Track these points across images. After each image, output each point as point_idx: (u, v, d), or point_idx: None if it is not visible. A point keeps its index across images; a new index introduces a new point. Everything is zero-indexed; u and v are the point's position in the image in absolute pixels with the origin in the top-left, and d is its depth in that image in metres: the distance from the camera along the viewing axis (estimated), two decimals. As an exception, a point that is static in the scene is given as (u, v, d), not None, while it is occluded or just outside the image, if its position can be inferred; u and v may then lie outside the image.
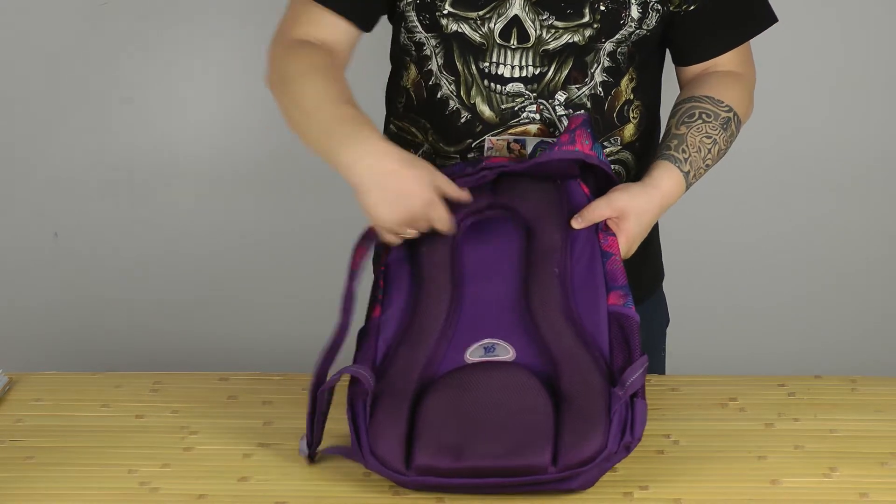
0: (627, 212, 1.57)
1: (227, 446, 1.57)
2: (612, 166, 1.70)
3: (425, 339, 1.50)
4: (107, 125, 2.51)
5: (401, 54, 1.72)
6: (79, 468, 1.53)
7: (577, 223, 1.55)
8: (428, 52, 1.67)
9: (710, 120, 1.67)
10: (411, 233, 1.53)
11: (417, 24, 1.66)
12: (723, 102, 1.68)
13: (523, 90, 1.65)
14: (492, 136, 1.67)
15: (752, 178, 2.48)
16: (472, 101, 1.66)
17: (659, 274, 1.92)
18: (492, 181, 1.57)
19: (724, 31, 1.72)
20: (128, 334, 2.64)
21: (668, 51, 1.77)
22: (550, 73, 1.64)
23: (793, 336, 2.57)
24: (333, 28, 1.65)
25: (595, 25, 1.63)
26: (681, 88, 1.76)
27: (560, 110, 1.65)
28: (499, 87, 1.65)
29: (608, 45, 1.65)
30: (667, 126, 1.69)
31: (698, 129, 1.66)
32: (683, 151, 1.64)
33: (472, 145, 1.68)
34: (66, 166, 2.54)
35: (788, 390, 1.69)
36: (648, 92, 1.73)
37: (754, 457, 1.53)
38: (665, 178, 1.62)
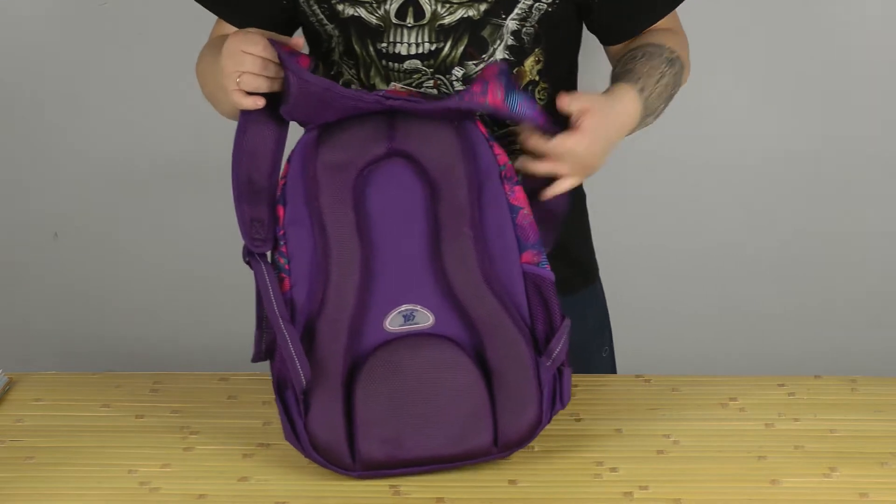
0: (588, 106, 1.48)
1: (227, 446, 1.57)
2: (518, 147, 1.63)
3: (344, 310, 1.45)
4: (107, 125, 2.51)
5: (312, 52, 1.75)
6: (79, 468, 1.53)
7: (564, 102, 1.48)
8: (333, 43, 1.69)
9: (654, 56, 1.64)
10: (246, 80, 1.47)
11: (321, 15, 1.68)
12: (664, 45, 1.66)
13: (420, 66, 1.65)
14: (395, 84, 1.65)
15: (752, 178, 2.48)
16: (372, 82, 1.67)
17: (592, 269, 1.89)
18: (387, 124, 1.47)
19: (647, 5, 1.71)
20: (128, 334, 2.64)
21: (595, 45, 1.76)
22: (446, 48, 1.65)
23: (793, 336, 2.57)
24: None
25: (489, 0, 1.63)
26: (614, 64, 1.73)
27: (458, 86, 1.66)
28: (396, 65, 1.66)
29: (511, 24, 1.65)
30: (611, 77, 1.64)
31: (643, 63, 1.62)
32: (633, 75, 1.60)
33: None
34: (66, 166, 2.54)
35: (788, 390, 1.69)
36: (558, 76, 1.71)
37: (754, 457, 1.53)
38: (618, 91, 1.56)
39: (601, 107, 1.51)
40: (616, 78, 1.62)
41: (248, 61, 1.48)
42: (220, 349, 2.61)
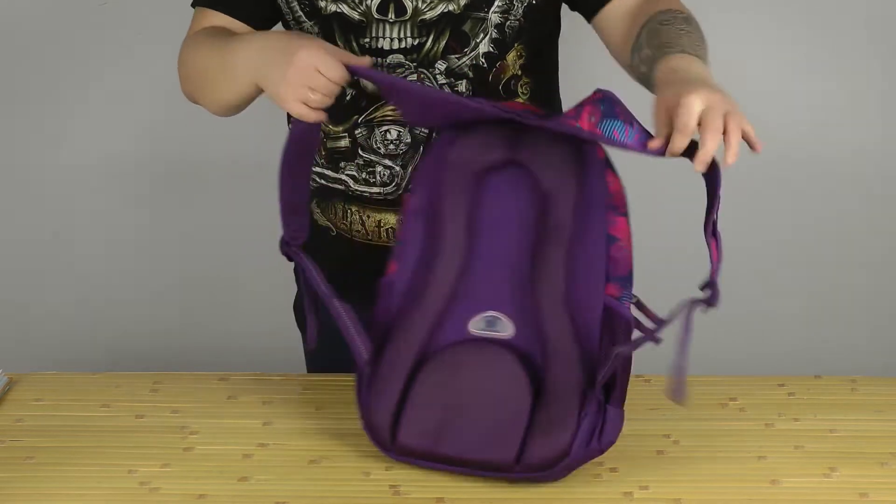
0: (666, 99, 1.40)
1: (227, 446, 1.57)
2: None
3: (435, 304, 1.50)
4: (107, 125, 2.51)
5: None
6: (79, 468, 1.53)
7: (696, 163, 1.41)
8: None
9: (669, 22, 1.56)
10: (314, 97, 1.49)
11: (300, 13, 1.69)
12: (668, 10, 1.58)
13: (403, 61, 1.67)
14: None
15: (753, 178, 2.47)
16: (355, 78, 1.67)
17: None
18: (513, 133, 1.48)
19: None
20: (128, 334, 2.64)
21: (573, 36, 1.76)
22: (429, 43, 1.66)
23: (793, 336, 2.57)
24: (225, 23, 1.71)
25: None
26: (608, 44, 1.68)
27: (441, 79, 1.67)
28: (379, 59, 1.67)
29: (494, 17, 1.66)
30: (636, 60, 1.58)
31: (667, 30, 1.55)
32: (680, 46, 1.51)
33: (359, 121, 1.70)
34: (66, 166, 2.54)
35: (788, 390, 1.69)
36: (540, 71, 1.72)
37: (754, 457, 1.53)
38: (671, 62, 1.48)
39: (665, 88, 1.43)
40: (650, 54, 1.53)
41: (322, 83, 1.49)
42: (220, 349, 2.62)
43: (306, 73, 1.49)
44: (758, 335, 2.57)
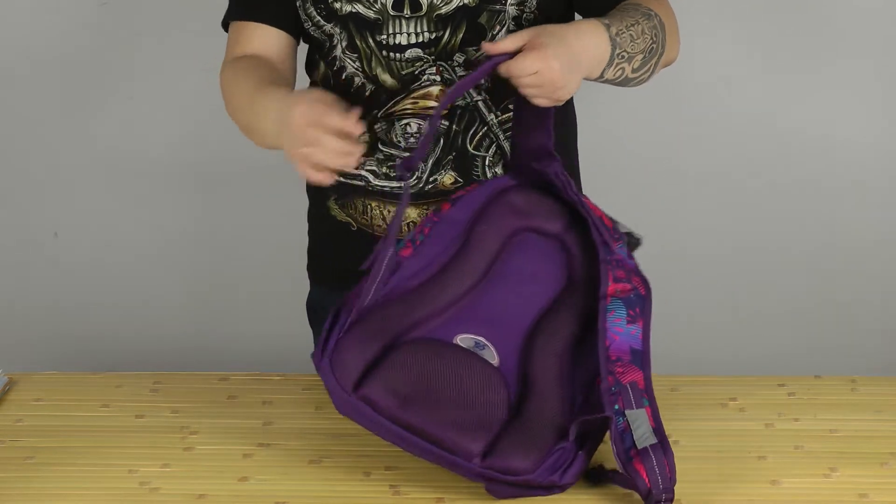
0: (532, 31, 1.50)
1: (227, 446, 1.57)
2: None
3: (433, 305, 1.52)
4: (107, 125, 2.51)
5: (311, 57, 1.76)
6: (79, 468, 1.53)
7: (487, 47, 1.51)
8: (335, 40, 1.70)
9: (631, 9, 1.63)
10: (319, 156, 1.46)
11: (318, 17, 1.69)
12: (642, 5, 1.65)
13: (421, 55, 1.67)
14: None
15: (753, 178, 2.48)
16: (374, 73, 1.69)
17: None
18: (564, 205, 1.59)
19: None
20: (128, 334, 2.64)
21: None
22: (446, 36, 1.67)
23: (793, 336, 2.57)
24: (264, 39, 1.72)
25: None
26: None
27: (460, 71, 1.68)
28: (398, 55, 1.67)
29: (512, 10, 1.67)
30: None
31: (620, 11, 1.63)
32: (609, 19, 1.60)
33: (378, 115, 1.70)
34: (66, 166, 2.54)
35: (788, 390, 1.69)
36: None
37: (754, 457, 1.53)
38: (579, 22, 1.58)
39: (551, 29, 1.52)
40: None
41: (313, 138, 1.46)
42: (220, 349, 2.62)
43: (300, 134, 1.46)
44: (758, 335, 2.57)
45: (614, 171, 2.40)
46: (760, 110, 2.46)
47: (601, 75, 1.58)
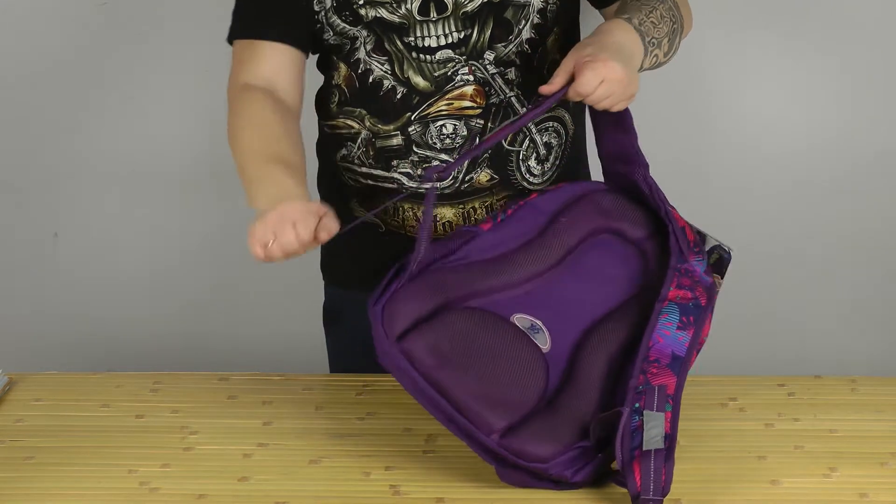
0: (577, 54, 1.55)
1: (227, 446, 1.57)
2: (550, 123, 1.73)
3: (498, 279, 1.55)
4: (107, 125, 2.51)
5: (329, 56, 1.74)
6: (79, 468, 1.53)
7: (544, 89, 1.56)
8: (358, 43, 1.69)
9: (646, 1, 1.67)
10: (273, 247, 1.49)
11: (343, 24, 1.69)
12: None
13: (452, 55, 1.67)
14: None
15: (753, 178, 2.47)
16: (406, 76, 1.68)
17: None
18: (651, 214, 1.65)
19: None
20: (128, 334, 2.63)
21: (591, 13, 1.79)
22: (475, 34, 1.67)
23: (793, 336, 2.57)
24: (273, 59, 1.70)
25: None
26: None
27: (492, 69, 1.68)
28: (428, 57, 1.67)
29: (537, 2, 1.68)
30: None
31: (633, 4, 1.66)
32: (620, 13, 1.65)
33: (412, 118, 1.69)
34: (67, 166, 2.53)
35: (788, 390, 1.69)
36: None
37: (754, 457, 1.53)
38: (603, 25, 1.62)
39: (585, 43, 1.57)
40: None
41: (288, 239, 1.48)
42: (220, 349, 2.62)
43: (280, 221, 1.49)
44: (758, 335, 2.57)
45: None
46: (761, 110, 2.46)
47: (641, 66, 1.61)
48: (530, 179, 1.73)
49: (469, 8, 1.66)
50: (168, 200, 2.56)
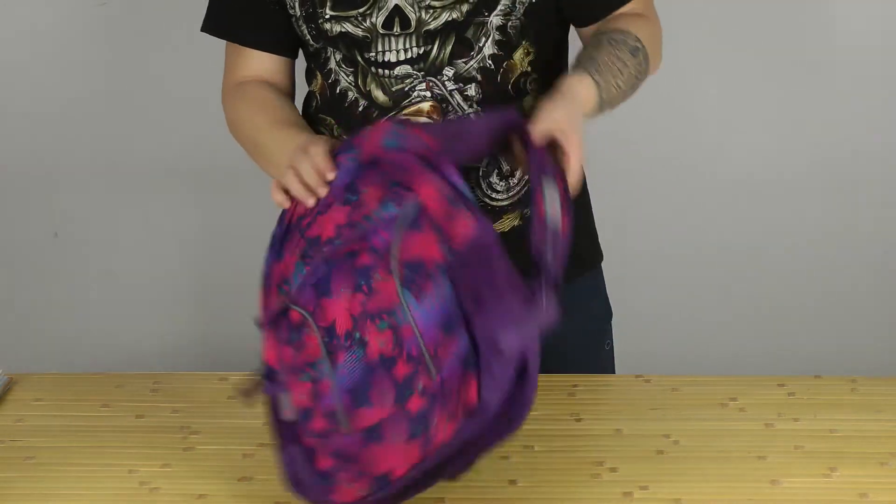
0: (555, 108, 1.49)
1: (227, 446, 1.57)
2: None
3: None
4: (107, 125, 2.51)
5: (308, 63, 1.77)
6: (79, 468, 1.53)
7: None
8: (328, 52, 1.71)
9: (617, 44, 1.64)
10: (290, 176, 1.46)
11: (309, 36, 1.71)
12: (629, 32, 1.66)
13: (411, 71, 1.67)
14: None
15: (753, 179, 2.48)
16: (368, 89, 1.69)
17: (596, 253, 1.88)
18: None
19: None
20: (128, 334, 2.63)
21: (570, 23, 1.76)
22: (434, 50, 1.67)
23: (793, 336, 2.57)
24: (263, 63, 1.75)
25: (470, 1, 1.64)
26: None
27: (450, 85, 1.67)
28: (387, 72, 1.68)
29: (496, 20, 1.67)
30: (574, 61, 1.64)
31: (607, 51, 1.62)
32: (592, 63, 1.59)
33: None
34: (67, 166, 2.54)
35: (788, 390, 1.69)
36: (549, 65, 1.73)
37: (754, 457, 1.53)
38: (576, 84, 1.55)
39: (557, 103, 1.50)
40: (577, 63, 1.61)
41: (306, 167, 1.45)
42: (220, 349, 2.62)
43: (295, 153, 1.48)
44: (758, 335, 2.57)
45: (615, 172, 2.40)
46: (762, 110, 2.46)
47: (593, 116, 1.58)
48: (493, 196, 1.72)
49: (432, 25, 1.66)
50: (168, 200, 2.56)
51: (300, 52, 1.78)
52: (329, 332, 1.36)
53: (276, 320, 1.41)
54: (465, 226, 1.35)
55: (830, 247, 2.52)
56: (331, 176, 1.44)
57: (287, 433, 1.40)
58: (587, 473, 1.49)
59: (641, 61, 1.66)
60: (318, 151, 1.45)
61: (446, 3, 1.65)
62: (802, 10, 2.41)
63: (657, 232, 2.54)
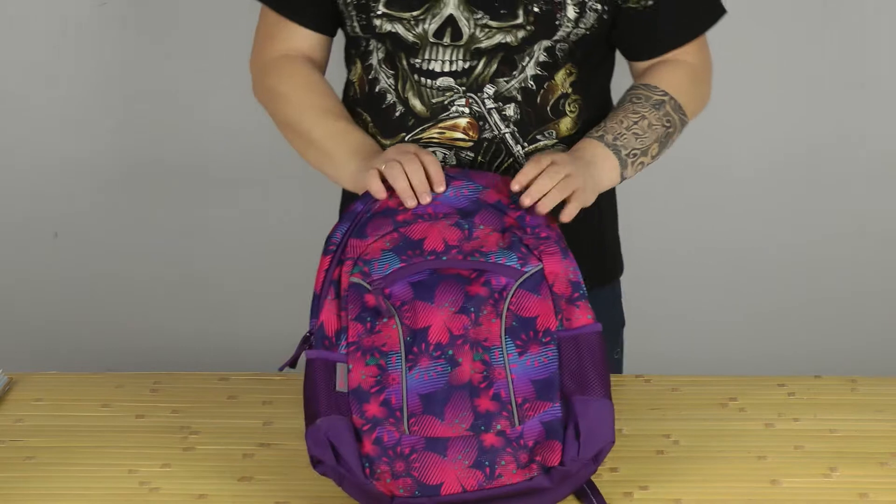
0: (554, 159, 1.54)
1: (227, 446, 1.57)
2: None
3: None
4: (106, 124, 2.51)
5: (349, 48, 1.76)
6: (79, 468, 1.53)
7: (522, 197, 1.51)
8: (371, 47, 1.70)
9: (639, 101, 1.67)
10: (393, 168, 1.51)
11: (357, 26, 1.69)
12: (657, 88, 1.69)
13: (453, 84, 1.66)
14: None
15: (753, 179, 2.48)
16: (406, 96, 1.68)
17: (617, 266, 1.90)
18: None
19: (675, 26, 1.72)
20: (128, 334, 2.64)
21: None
22: (480, 67, 1.66)
23: (793, 336, 2.57)
24: (306, 40, 1.74)
25: (528, 28, 1.63)
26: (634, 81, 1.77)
27: (489, 103, 1.66)
28: (429, 81, 1.67)
29: (545, 42, 1.66)
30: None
31: (624, 108, 1.67)
32: (604, 129, 1.64)
33: (405, 139, 1.69)
34: (67, 166, 2.54)
35: (788, 390, 1.69)
36: (591, 87, 1.72)
37: (754, 457, 1.53)
38: (579, 143, 1.63)
39: (562, 155, 1.57)
40: (594, 129, 1.66)
41: (413, 164, 1.51)
42: (220, 349, 2.62)
43: (399, 150, 1.53)
44: (758, 335, 2.57)
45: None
46: (764, 109, 2.46)
47: (623, 177, 1.64)
48: None
49: (484, 44, 1.64)
50: (168, 200, 2.56)
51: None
52: (414, 334, 1.43)
53: (338, 291, 1.48)
54: (583, 315, 1.44)
55: (831, 247, 2.52)
56: (440, 189, 1.51)
57: (332, 402, 1.44)
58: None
59: (668, 113, 1.68)
60: (432, 161, 1.52)
61: (503, 25, 1.63)
62: (803, 11, 2.41)
63: (657, 232, 2.54)
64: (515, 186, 1.51)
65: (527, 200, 1.51)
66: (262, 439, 1.58)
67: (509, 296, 1.44)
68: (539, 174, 1.52)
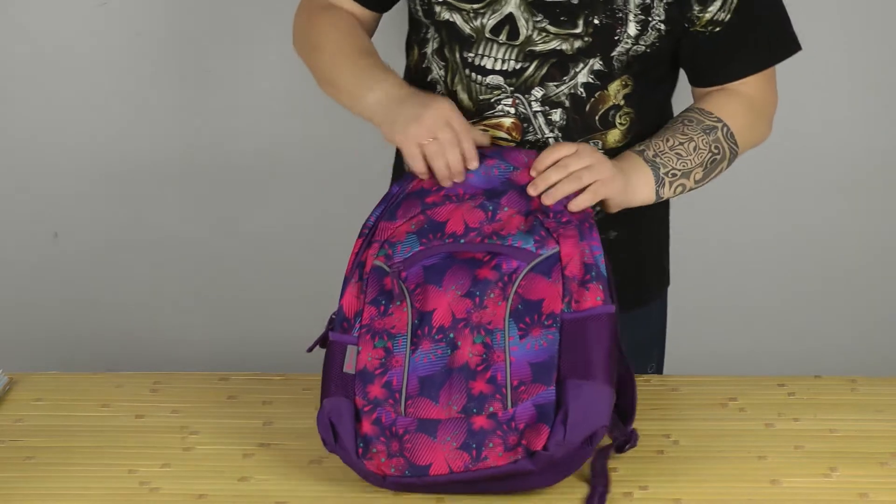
0: (578, 149, 1.56)
1: (227, 446, 1.57)
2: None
3: None
4: (106, 124, 2.51)
5: (410, 33, 1.77)
6: (79, 468, 1.53)
7: (528, 187, 1.54)
8: (429, 35, 1.70)
9: (689, 124, 1.67)
10: (433, 148, 1.53)
11: (420, 9, 1.69)
12: (711, 114, 1.68)
13: (502, 83, 1.65)
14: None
15: (753, 178, 2.47)
16: (454, 89, 1.68)
17: (665, 278, 1.90)
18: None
19: (742, 55, 1.69)
20: (128, 334, 2.63)
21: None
22: (531, 69, 1.64)
23: (793, 336, 2.57)
24: (353, 7, 1.75)
25: (586, 39, 1.61)
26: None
27: (536, 106, 1.65)
28: (479, 77, 1.66)
29: (601, 54, 1.64)
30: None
31: (673, 128, 1.66)
32: (647, 144, 1.65)
33: None
34: (66, 166, 2.53)
35: (788, 390, 1.69)
36: (646, 101, 1.69)
37: (754, 457, 1.53)
38: (623, 154, 1.64)
39: (587, 146, 1.57)
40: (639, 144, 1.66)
41: (449, 137, 1.53)
42: (220, 349, 2.62)
43: (439, 121, 1.54)
44: (758, 335, 2.57)
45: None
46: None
47: (658, 195, 1.63)
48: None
49: (539, 48, 1.62)
50: (169, 200, 2.56)
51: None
52: (422, 316, 1.45)
53: (363, 273, 1.50)
54: (594, 298, 1.45)
55: (831, 247, 2.52)
56: (473, 165, 1.54)
57: (340, 383, 1.47)
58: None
59: (719, 138, 1.67)
60: (465, 133, 1.54)
61: (561, 32, 1.62)
62: (805, 11, 2.40)
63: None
64: (533, 173, 1.54)
65: (532, 191, 1.52)
66: (261, 439, 1.59)
67: (518, 279, 1.45)
68: (553, 164, 1.53)
